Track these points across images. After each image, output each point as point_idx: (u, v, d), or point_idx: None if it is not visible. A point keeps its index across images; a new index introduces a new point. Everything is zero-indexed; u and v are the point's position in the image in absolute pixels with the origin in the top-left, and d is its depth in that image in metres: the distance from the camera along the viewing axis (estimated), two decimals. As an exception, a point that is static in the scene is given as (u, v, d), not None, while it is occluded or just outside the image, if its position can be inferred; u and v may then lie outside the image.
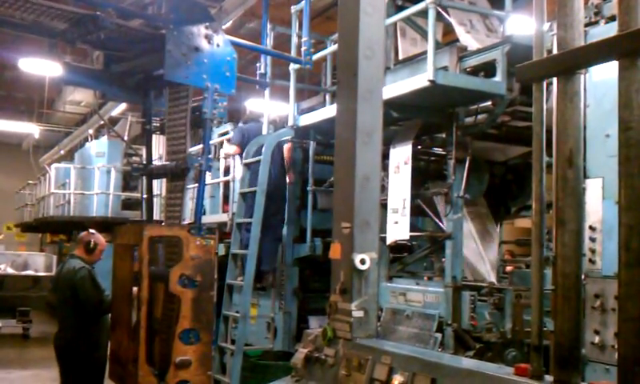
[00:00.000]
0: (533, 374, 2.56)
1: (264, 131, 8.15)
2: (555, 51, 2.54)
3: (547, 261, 3.18)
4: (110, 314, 5.94)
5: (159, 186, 9.61)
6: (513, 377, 2.65)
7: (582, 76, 2.42)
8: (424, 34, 5.75)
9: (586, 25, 4.45)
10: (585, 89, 4.11)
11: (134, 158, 13.77)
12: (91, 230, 6.54)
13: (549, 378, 2.52)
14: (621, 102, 2.15)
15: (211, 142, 8.59)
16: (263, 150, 7.49)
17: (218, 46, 5.26)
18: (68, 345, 5.96)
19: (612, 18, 4.26)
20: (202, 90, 5.25)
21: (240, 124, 8.99)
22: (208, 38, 5.21)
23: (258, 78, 7.39)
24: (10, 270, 15.32)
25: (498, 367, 3.01)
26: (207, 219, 8.82)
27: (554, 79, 2.51)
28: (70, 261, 6.25)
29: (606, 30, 4.05)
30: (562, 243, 2.40)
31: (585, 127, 4.13)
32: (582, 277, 3.98)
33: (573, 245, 2.38)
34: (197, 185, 5.68)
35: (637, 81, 2.12)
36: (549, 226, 2.75)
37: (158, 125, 6.30)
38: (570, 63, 2.34)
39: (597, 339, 4.04)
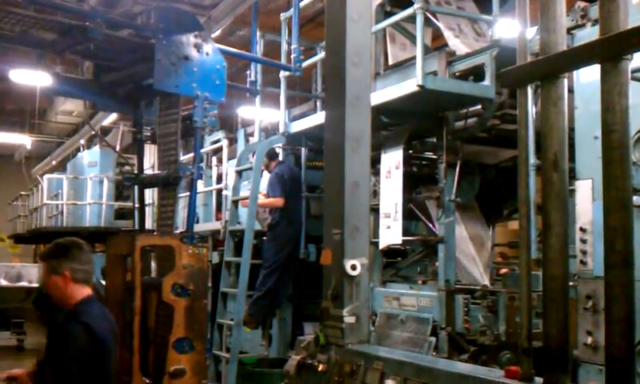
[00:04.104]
0: (523, 376, 2.58)
1: (256, 137, 8.15)
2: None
3: (539, 263, 3.19)
4: None
5: (152, 195, 9.59)
6: (503, 379, 2.67)
7: (566, 80, 2.44)
8: (413, 39, 5.77)
9: (573, 28, 4.48)
10: (573, 90, 4.15)
11: (126, 168, 13.74)
12: None
13: (539, 379, 2.54)
14: (603, 106, 2.16)
15: (202, 150, 8.59)
16: (254, 157, 7.50)
17: (207, 54, 5.27)
18: None
19: (598, 21, 4.28)
20: (192, 98, 5.26)
21: (273, 174, 7.68)
22: (197, 46, 5.22)
23: (248, 85, 7.39)
24: (4, 282, 15.22)
25: (489, 370, 3.02)
26: (200, 227, 8.82)
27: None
28: None
29: (592, 33, 4.05)
30: (549, 246, 2.41)
31: (574, 129, 4.19)
32: (575, 277, 4.03)
33: (559, 248, 2.39)
34: (189, 193, 5.68)
35: (618, 84, 2.13)
36: (540, 228, 2.75)
37: (149, 134, 6.29)
38: (553, 68, 2.36)
39: (589, 340, 4.04)
